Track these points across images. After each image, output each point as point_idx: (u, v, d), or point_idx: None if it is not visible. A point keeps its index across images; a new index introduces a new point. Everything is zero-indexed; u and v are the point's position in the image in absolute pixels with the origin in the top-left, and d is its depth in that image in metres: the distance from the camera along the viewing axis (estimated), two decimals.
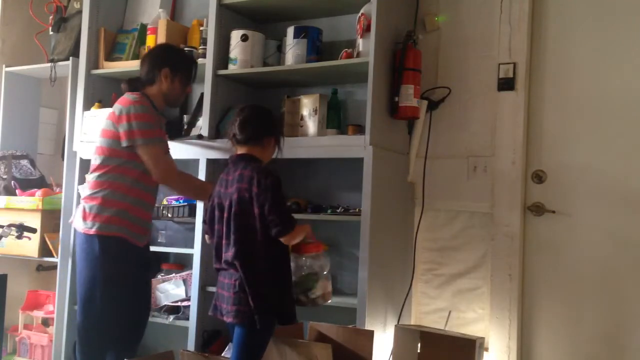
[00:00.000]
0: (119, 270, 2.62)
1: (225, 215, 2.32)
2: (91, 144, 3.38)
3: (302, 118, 3.00)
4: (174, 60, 2.79)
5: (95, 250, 2.59)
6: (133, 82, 2.80)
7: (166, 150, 2.76)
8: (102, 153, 2.66)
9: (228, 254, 2.29)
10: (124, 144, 2.61)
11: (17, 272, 3.77)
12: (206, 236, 2.56)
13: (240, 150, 2.41)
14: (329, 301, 2.51)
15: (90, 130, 3.41)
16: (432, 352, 2.50)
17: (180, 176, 2.76)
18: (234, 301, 2.27)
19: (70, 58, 3.59)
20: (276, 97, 3.25)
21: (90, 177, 2.69)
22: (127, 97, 2.68)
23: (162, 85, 2.76)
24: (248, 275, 2.25)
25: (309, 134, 2.96)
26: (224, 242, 2.33)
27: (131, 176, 2.64)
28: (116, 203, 2.61)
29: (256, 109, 2.49)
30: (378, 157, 2.75)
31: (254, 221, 2.25)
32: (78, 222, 2.67)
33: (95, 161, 2.67)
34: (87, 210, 2.63)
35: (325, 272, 2.47)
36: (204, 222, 2.57)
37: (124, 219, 2.62)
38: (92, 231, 2.59)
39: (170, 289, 3.22)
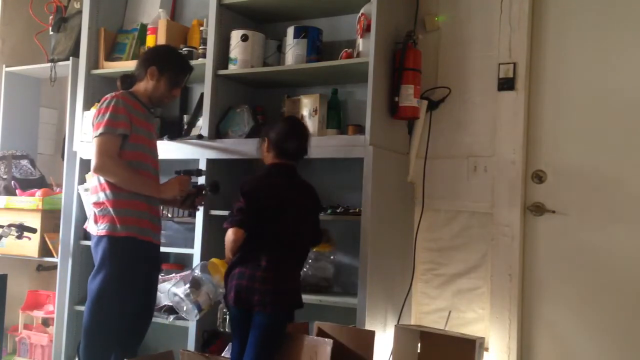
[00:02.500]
0: (129, 270, 2.63)
1: (285, 217, 2.49)
2: (91, 144, 3.39)
3: (302, 118, 3.00)
4: (163, 60, 2.77)
5: (105, 250, 2.60)
6: (126, 78, 2.82)
7: (149, 147, 2.75)
8: None
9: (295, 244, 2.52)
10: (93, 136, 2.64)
11: (17, 272, 3.77)
12: (235, 230, 2.46)
13: (283, 160, 2.56)
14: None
15: (90, 131, 3.42)
16: (432, 352, 2.50)
17: (120, 171, 2.61)
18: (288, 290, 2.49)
19: (70, 58, 3.59)
20: (276, 97, 3.26)
21: (92, 182, 2.71)
22: (107, 95, 2.70)
23: (147, 83, 2.75)
24: (298, 269, 2.59)
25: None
26: (274, 239, 2.47)
27: None
28: (121, 202, 2.62)
29: (306, 129, 2.69)
30: (378, 157, 2.75)
31: (307, 227, 2.58)
32: (91, 226, 2.70)
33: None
34: (97, 213, 2.65)
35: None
36: (245, 220, 2.46)
37: (132, 217, 2.63)
38: (103, 232, 2.62)
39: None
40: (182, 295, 2.57)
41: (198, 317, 2.65)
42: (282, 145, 2.55)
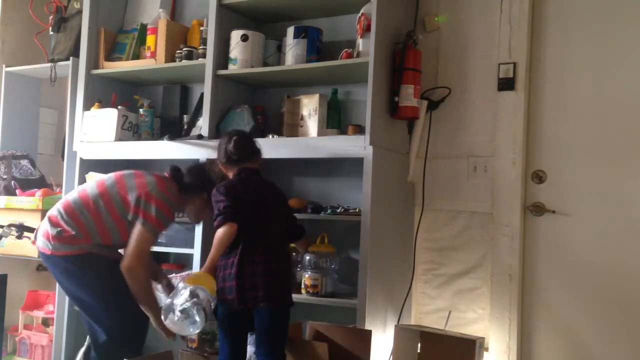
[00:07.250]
0: None
1: (264, 210, 2.51)
2: (91, 144, 3.40)
3: (302, 118, 3.00)
4: None
5: None
6: None
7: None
8: None
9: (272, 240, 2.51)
10: None
11: (17, 272, 3.77)
12: (230, 225, 2.44)
13: (239, 165, 2.55)
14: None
15: (90, 130, 3.41)
16: (432, 352, 2.50)
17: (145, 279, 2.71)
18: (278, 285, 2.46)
19: (70, 58, 3.59)
20: (276, 97, 3.26)
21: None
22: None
23: None
24: (286, 264, 2.55)
25: (309, 134, 2.96)
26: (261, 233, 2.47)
27: None
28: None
29: (244, 133, 2.71)
30: (378, 157, 2.75)
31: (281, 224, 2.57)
32: None
33: None
34: None
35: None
36: (234, 213, 2.46)
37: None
38: None
39: None
40: (189, 305, 2.45)
41: (202, 326, 2.53)
42: (227, 155, 2.56)
